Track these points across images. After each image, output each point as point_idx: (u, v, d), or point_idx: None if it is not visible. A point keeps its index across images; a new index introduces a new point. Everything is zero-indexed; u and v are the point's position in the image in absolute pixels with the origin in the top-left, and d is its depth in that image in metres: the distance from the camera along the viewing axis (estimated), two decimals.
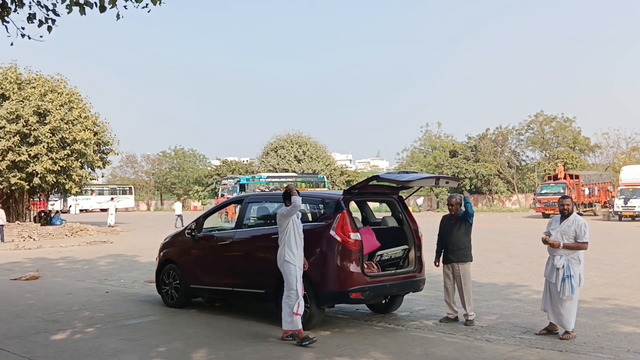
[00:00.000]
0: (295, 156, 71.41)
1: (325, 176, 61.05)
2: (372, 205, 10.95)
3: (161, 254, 10.67)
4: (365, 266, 8.21)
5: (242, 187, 45.52)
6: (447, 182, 9.23)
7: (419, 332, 8.07)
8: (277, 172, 64.96)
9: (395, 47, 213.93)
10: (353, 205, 8.97)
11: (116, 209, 44.52)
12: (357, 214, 9.47)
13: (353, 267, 7.92)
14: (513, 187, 63.27)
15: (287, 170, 66.35)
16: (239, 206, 10.35)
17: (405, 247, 9.05)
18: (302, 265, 7.66)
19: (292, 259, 7.54)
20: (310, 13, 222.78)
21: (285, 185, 42.18)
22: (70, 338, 7.95)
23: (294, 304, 7.41)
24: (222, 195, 46.46)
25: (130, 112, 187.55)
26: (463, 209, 8.78)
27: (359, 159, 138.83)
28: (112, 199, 47.29)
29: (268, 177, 51.03)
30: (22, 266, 16.78)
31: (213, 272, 9.56)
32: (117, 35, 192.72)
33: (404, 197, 9.70)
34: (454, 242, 8.64)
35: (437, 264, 8.92)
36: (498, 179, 62.05)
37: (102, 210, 70.25)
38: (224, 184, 49.51)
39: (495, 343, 7.41)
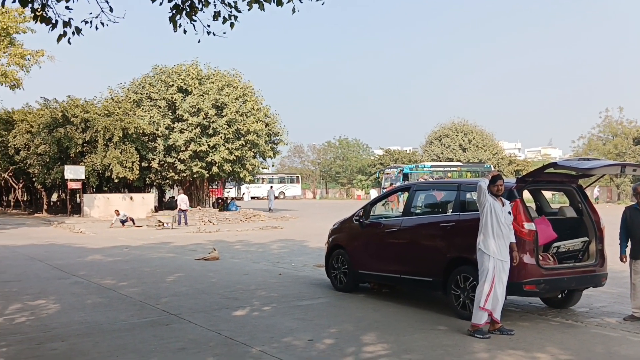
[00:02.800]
0: (460, 145, 69.77)
1: (492, 165, 58.97)
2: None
3: (330, 239, 11.04)
4: (541, 258, 7.84)
5: (405, 177, 45.47)
6: (634, 170, 8.48)
7: (599, 330, 7.55)
8: (441, 161, 63.97)
9: (571, 30, 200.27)
10: (527, 195, 8.61)
11: (275, 196, 47.25)
12: (531, 204, 9.06)
13: (527, 259, 7.61)
14: None
15: (451, 160, 65.05)
16: (405, 194, 10.40)
17: (585, 239, 8.50)
18: (503, 257, 7.21)
19: (486, 248, 7.19)
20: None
21: (449, 174, 41.23)
22: (249, 315, 8.54)
23: (481, 297, 7.14)
24: (386, 185, 46.76)
25: (298, 104, 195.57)
26: None
27: (528, 147, 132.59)
28: (271, 187, 49.95)
29: (432, 166, 50.41)
30: (204, 247, 18.26)
31: (380, 258, 9.71)
32: (282, 30, 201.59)
33: (583, 187, 9.10)
34: None
35: (624, 259, 8.24)
36: None
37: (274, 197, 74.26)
38: (387, 173, 49.80)
39: None
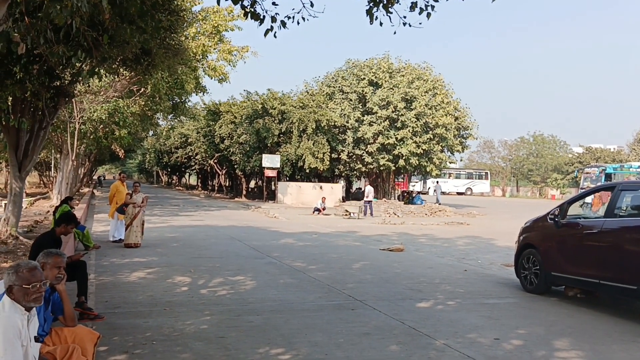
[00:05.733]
0: None
1: None
2: None
3: (521, 238, 10.57)
4: None
5: (608, 177, 41.75)
6: None
7: None
8: None
9: None
10: None
11: (460, 192, 46.09)
12: None
13: None
14: None
15: None
16: (606, 194, 9.61)
17: None
18: None
19: None
20: None
21: None
22: (433, 307, 8.51)
23: None
24: (585, 186, 43.45)
25: (490, 97, 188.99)
26: None
27: None
28: (437, 182, 49.31)
29: None
30: (389, 238, 18.53)
31: (577, 261, 9.07)
32: (478, 24, 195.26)
33: None
34: None
35: None
36: None
37: (459, 193, 72.66)
38: (587, 173, 46.09)
39: None
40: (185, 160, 61.33)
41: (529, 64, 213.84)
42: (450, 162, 44.05)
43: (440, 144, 38.41)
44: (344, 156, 38.83)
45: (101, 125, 28.37)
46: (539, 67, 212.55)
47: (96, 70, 10.80)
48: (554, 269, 9.48)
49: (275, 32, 7.20)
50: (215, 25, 28.37)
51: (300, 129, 37.09)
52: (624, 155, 69.59)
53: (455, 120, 38.68)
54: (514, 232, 11.26)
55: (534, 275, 9.90)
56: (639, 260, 7.91)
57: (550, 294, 9.78)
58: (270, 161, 37.66)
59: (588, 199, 27.21)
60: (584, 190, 35.98)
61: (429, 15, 6.91)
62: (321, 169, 37.75)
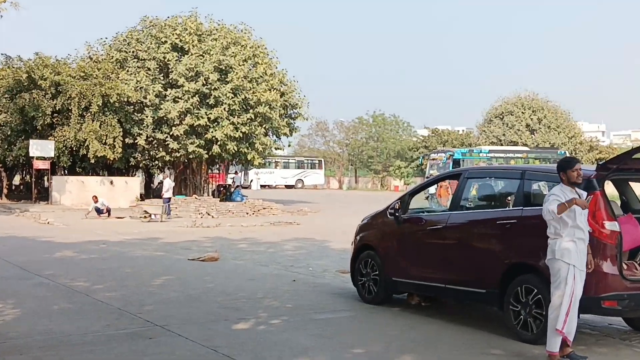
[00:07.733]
0: (528, 125, 69.28)
1: (567, 151, 58.40)
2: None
3: (357, 238, 11.03)
4: (625, 267, 7.74)
5: (456, 163, 45.14)
6: None
7: None
8: (502, 144, 63.53)
9: None
10: (611, 188, 8.53)
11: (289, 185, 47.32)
12: (616, 200, 8.95)
13: (607, 267, 7.51)
14: None
15: (515, 143, 64.64)
16: (455, 183, 10.37)
17: None
18: (582, 265, 7.06)
19: (563, 255, 6.96)
20: None
21: (512, 161, 40.66)
22: (253, 329, 8.61)
23: (558, 316, 6.94)
24: (432, 174, 46.58)
25: (322, 70, 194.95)
26: None
27: (614, 130, 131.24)
28: (235, 172, 50.80)
29: (490, 150, 50.01)
30: (200, 245, 18.46)
31: (420, 263, 9.67)
32: None
33: None
34: None
35: None
36: None
37: (288, 186, 74.29)
38: (433, 159, 49.47)
39: None
40: None
41: (368, 36, 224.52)
42: (276, 148, 44.77)
43: (264, 125, 38.83)
44: (141, 141, 37.82)
45: None
46: (379, 40, 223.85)
47: None
48: (395, 273, 10.01)
49: None
50: None
51: (82, 107, 35.53)
52: (473, 138, 75.51)
53: (281, 97, 39.28)
54: (351, 231, 11.74)
55: (373, 282, 10.38)
56: (487, 259, 8.61)
57: (391, 304, 10.33)
58: (41, 149, 35.71)
59: (432, 189, 29.16)
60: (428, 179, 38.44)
61: None
62: (111, 159, 36.55)
